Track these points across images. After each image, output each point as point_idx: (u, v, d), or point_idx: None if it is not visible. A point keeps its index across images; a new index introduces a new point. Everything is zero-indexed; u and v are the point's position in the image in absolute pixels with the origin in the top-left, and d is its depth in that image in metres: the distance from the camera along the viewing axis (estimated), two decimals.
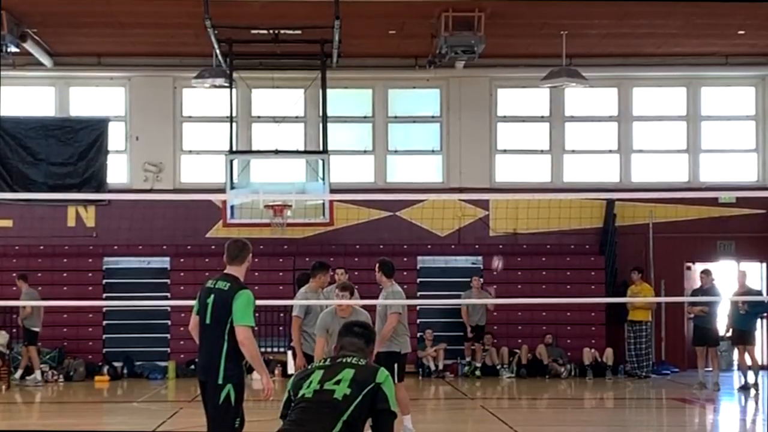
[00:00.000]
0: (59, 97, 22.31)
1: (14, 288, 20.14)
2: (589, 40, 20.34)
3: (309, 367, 6.01)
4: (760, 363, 19.98)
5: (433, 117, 22.65)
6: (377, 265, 12.40)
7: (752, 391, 18.15)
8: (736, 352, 19.70)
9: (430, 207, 21.46)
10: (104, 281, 21.60)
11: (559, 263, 21.83)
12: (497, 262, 20.75)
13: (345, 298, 11.39)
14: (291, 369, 13.64)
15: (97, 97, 22.43)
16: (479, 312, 20.94)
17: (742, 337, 18.61)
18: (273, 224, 19.94)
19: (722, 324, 19.02)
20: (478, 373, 20.99)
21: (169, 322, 21.53)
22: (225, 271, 8.70)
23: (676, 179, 22.33)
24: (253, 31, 19.19)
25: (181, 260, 21.68)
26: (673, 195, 19.46)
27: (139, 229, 21.46)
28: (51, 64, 21.41)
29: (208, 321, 8.44)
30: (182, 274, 21.49)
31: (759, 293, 19.98)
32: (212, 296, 8.47)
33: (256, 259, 21.54)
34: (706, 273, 18.97)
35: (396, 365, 11.88)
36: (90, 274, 21.47)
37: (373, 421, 5.80)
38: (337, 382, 5.75)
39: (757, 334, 19.60)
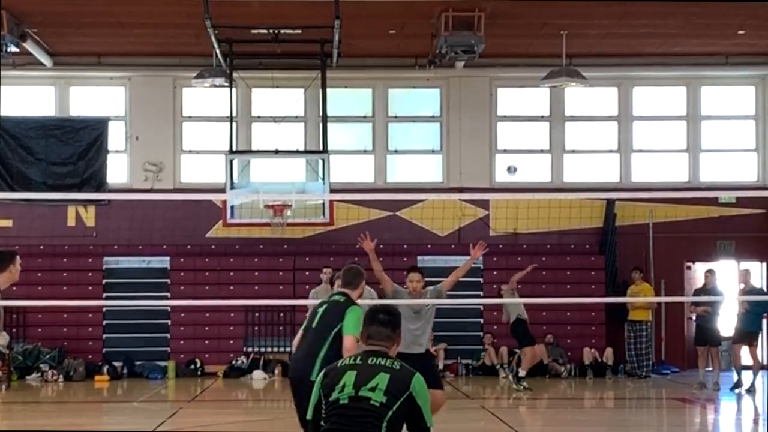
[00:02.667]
0: (59, 96, 22.32)
1: (14, 288, 20.12)
2: (589, 39, 20.34)
3: (337, 365, 5.80)
4: (760, 363, 19.96)
5: (433, 117, 22.65)
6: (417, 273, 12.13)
7: (742, 391, 18.08)
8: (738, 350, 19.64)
9: (430, 207, 21.46)
10: (104, 281, 21.60)
11: (559, 263, 21.83)
12: (512, 169, 20.36)
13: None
14: None
15: (97, 96, 22.43)
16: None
17: (747, 336, 18.58)
18: (273, 224, 19.94)
19: (726, 324, 18.98)
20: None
21: (169, 322, 21.54)
22: (342, 290, 9.25)
23: (676, 179, 22.34)
24: (253, 31, 19.19)
25: (181, 260, 21.69)
26: (673, 195, 19.46)
27: (139, 229, 21.47)
28: (51, 63, 21.41)
29: (314, 325, 8.90)
30: (182, 273, 21.51)
31: (762, 292, 19.94)
32: (325, 306, 9.03)
33: (256, 259, 21.89)
34: (710, 272, 18.97)
35: None
36: (90, 274, 21.47)
37: None
38: (372, 389, 5.55)
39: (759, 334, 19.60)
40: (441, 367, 21.07)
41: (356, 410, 5.53)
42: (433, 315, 12.15)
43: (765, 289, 21.86)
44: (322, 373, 5.80)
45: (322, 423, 5.66)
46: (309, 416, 5.72)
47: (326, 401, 5.62)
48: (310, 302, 12.67)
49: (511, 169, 20.52)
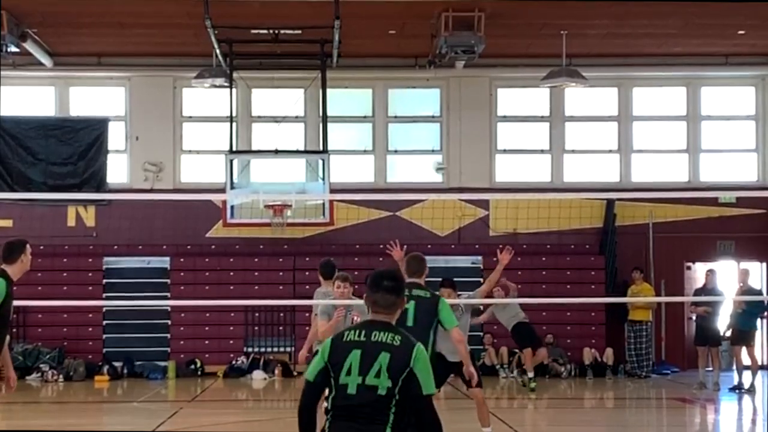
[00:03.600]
0: (59, 97, 22.32)
1: (14, 288, 20.11)
2: (589, 40, 20.34)
3: (343, 338, 5.77)
4: (759, 363, 19.96)
5: (433, 117, 22.65)
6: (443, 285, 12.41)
7: (743, 392, 18.09)
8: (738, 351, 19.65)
9: (430, 207, 21.46)
10: (104, 281, 21.60)
11: (559, 263, 21.83)
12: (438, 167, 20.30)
13: (346, 288, 11.60)
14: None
15: (97, 97, 22.43)
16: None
17: (742, 336, 18.60)
18: (273, 224, 19.95)
19: (723, 323, 19.00)
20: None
21: (169, 322, 21.55)
22: (413, 280, 9.69)
23: (676, 179, 22.34)
24: (253, 31, 19.19)
25: (181, 260, 21.69)
26: (673, 195, 19.46)
27: (139, 229, 21.48)
28: (51, 64, 21.41)
29: (410, 324, 9.34)
30: (182, 273, 21.51)
31: (759, 293, 19.95)
32: (412, 302, 9.50)
33: (256, 259, 21.88)
34: (710, 272, 18.97)
35: None
36: (90, 274, 21.47)
37: (411, 407, 5.73)
38: (377, 374, 5.61)
39: (757, 333, 19.59)
40: None
41: (364, 402, 5.62)
42: (468, 321, 12.62)
43: (765, 289, 21.89)
44: (330, 340, 5.81)
45: (327, 404, 5.73)
46: (311, 378, 5.76)
47: (335, 380, 5.68)
48: (313, 302, 12.62)
49: (437, 168, 20.54)
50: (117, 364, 21.11)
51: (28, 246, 8.60)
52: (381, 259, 21.33)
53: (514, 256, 21.21)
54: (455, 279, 13.27)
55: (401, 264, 11.89)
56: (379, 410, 5.60)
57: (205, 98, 22.19)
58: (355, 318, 11.15)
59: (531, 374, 18.41)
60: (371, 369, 5.64)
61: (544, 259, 21.86)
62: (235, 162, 20.23)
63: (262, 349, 21.61)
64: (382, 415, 5.60)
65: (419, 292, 9.61)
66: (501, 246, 12.74)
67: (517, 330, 18.45)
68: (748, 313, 18.58)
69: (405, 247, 11.88)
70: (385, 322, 5.85)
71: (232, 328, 21.57)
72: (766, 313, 20.66)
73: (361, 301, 11.95)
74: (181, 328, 21.55)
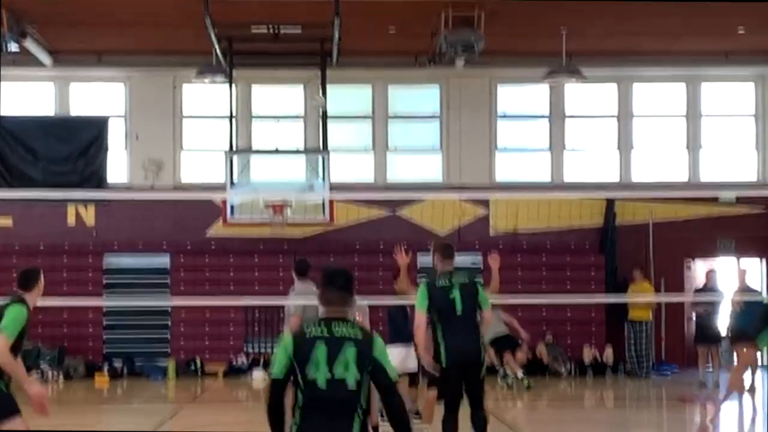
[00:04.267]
0: (59, 95, 22.30)
1: (14, 287, 20.09)
2: (589, 37, 20.31)
3: (305, 333, 5.95)
4: (759, 363, 19.93)
5: (433, 115, 22.63)
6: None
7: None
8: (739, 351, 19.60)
9: (430, 205, 21.44)
10: (104, 280, 21.58)
11: (559, 262, 21.81)
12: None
13: None
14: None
15: (96, 95, 22.41)
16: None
17: (740, 336, 18.56)
18: (273, 223, 19.93)
19: (723, 323, 18.98)
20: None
21: (169, 321, 21.54)
22: (447, 269, 10.16)
23: (676, 177, 22.32)
24: (253, 29, 19.17)
25: (182, 258, 21.67)
26: (673, 193, 19.45)
27: (139, 228, 21.46)
28: (51, 62, 21.38)
29: (459, 312, 9.95)
30: (182, 272, 21.50)
31: (758, 292, 19.91)
32: (456, 291, 9.97)
33: (256, 258, 21.84)
34: (711, 272, 18.96)
35: None
36: (90, 273, 21.46)
37: (382, 399, 6.01)
38: (345, 366, 5.85)
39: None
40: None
41: (334, 396, 5.84)
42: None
43: (765, 287, 21.87)
44: (291, 337, 5.99)
45: (300, 398, 5.88)
46: (280, 376, 5.93)
47: (302, 376, 5.85)
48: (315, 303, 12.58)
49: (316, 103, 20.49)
50: (117, 363, 21.11)
51: (41, 273, 8.75)
52: (381, 257, 21.42)
53: (514, 255, 21.47)
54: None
55: (404, 268, 12.01)
56: (349, 403, 5.84)
57: (205, 96, 22.17)
58: (358, 319, 11.14)
59: (520, 374, 18.46)
60: (338, 362, 5.86)
61: (544, 257, 21.84)
62: (235, 160, 20.22)
63: (262, 349, 21.59)
64: (352, 407, 5.84)
65: (461, 278, 10.05)
66: (489, 251, 12.67)
67: (497, 341, 18.45)
68: (746, 312, 18.54)
69: (410, 253, 11.98)
70: (343, 318, 6.05)
71: (232, 327, 21.56)
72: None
73: (362, 302, 12.01)
74: (181, 327, 21.54)
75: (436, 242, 10.75)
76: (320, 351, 5.87)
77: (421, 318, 10.03)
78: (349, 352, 5.89)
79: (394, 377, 6.00)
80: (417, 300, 10.07)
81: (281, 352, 5.98)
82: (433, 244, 10.88)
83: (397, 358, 13.82)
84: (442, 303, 9.92)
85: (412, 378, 13.70)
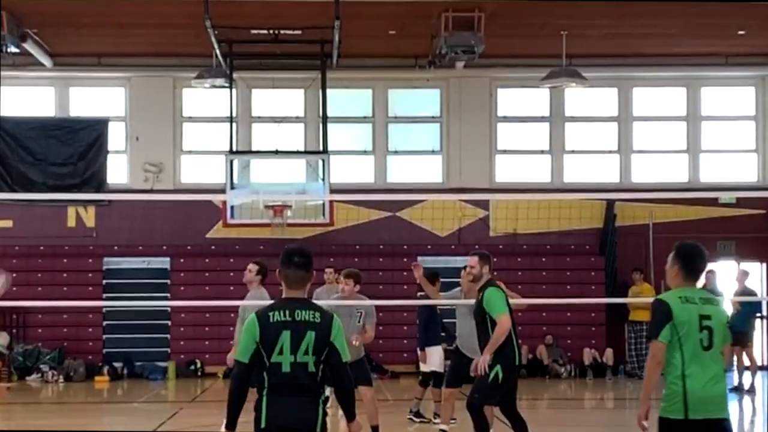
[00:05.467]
0: (59, 97, 22.31)
1: (15, 288, 20.11)
2: (589, 40, 20.34)
3: (270, 318, 6.24)
4: (759, 364, 19.96)
5: (433, 117, 22.65)
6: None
7: (744, 393, 18.08)
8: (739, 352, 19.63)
9: (430, 207, 21.46)
10: (104, 281, 21.59)
11: (559, 263, 21.82)
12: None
13: (348, 284, 11.76)
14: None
15: (97, 97, 22.43)
16: None
17: (739, 337, 18.58)
18: (273, 224, 19.95)
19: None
20: None
21: (169, 323, 21.54)
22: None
23: (676, 179, 22.33)
24: (253, 31, 19.19)
25: (182, 260, 21.68)
26: (673, 195, 19.46)
27: (139, 230, 21.47)
28: (51, 64, 21.41)
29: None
30: (182, 274, 21.51)
31: (754, 293, 19.92)
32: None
33: (256, 260, 21.72)
34: (710, 273, 18.97)
35: None
36: (90, 275, 21.47)
37: (332, 375, 6.39)
38: (306, 352, 6.23)
39: (756, 334, 19.60)
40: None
41: (297, 376, 6.22)
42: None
43: (765, 289, 21.88)
44: (256, 321, 6.28)
45: (266, 379, 6.25)
46: (245, 360, 6.26)
47: (267, 358, 6.23)
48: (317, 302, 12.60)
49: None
50: (117, 364, 21.12)
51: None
52: (381, 259, 21.46)
53: (514, 257, 21.47)
54: (455, 280, 13.36)
55: (420, 280, 12.29)
56: (310, 383, 6.25)
57: (205, 98, 22.19)
58: (355, 343, 11.26)
59: None
60: (300, 347, 6.24)
61: (544, 259, 21.85)
62: (235, 162, 20.24)
63: None
64: (313, 386, 6.26)
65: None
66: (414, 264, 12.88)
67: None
68: (743, 313, 18.57)
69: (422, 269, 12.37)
70: (303, 299, 6.44)
71: (232, 328, 21.37)
72: (759, 314, 20.58)
73: (363, 302, 12.04)
74: (181, 329, 21.54)
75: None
76: (285, 337, 6.22)
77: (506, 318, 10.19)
78: (309, 338, 6.24)
79: (345, 358, 6.33)
80: (499, 303, 10.15)
81: (247, 337, 6.28)
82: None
83: (439, 358, 13.99)
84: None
85: (438, 378, 13.77)
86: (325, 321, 6.33)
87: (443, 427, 12.35)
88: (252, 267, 11.88)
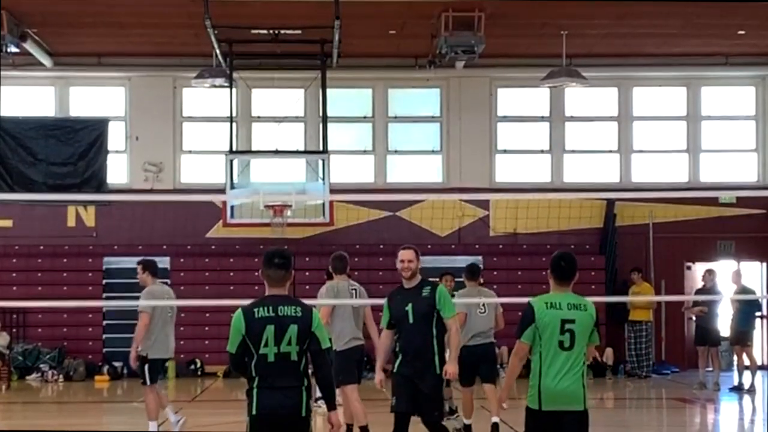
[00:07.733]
0: (59, 97, 22.31)
1: (15, 288, 20.16)
2: (589, 40, 20.34)
3: (255, 314, 6.89)
4: (759, 363, 19.96)
5: (433, 117, 22.65)
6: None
7: (744, 393, 18.08)
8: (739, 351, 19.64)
9: (430, 207, 21.46)
10: (104, 281, 21.59)
11: None
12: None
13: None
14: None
15: (97, 97, 22.44)
16: None
17: (739, 337, 18.60)
18: (273, 224, 19.94)
19: (723, 324, 18.99)
20: None
21: None
22: None
23: (676, 179, 22.34)
24: (253, 31, 19.18)
25: (181, 260, 21.68)
26: (673, 195, 19.46)
27: (139, 229, 21.48)
28: (51, 64, 21.40)
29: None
30: (182, 274, 21.48)
31: (753, 292, 19.93)
32: None
33: (256, 259, 21.71)
34: (709, 272, 18.97)
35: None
36: (90, 274, 21.46)
37: (312, 361, 7.09)
38: (289, 342, 6.93)
39: (756, 333, 19.60)
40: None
41: (281, 365, 6.91)
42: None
43: (765, 289, 21.88)
44: (242, 317, 6.94)
45: (254, 369, 6.94)
46: (234, 351, 6.99)
47: (255, 349, 6.91)
48: (318, 302, 12.54)
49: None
50: (117, 364, 21.10)
51: None
52: (381, 259, 21.43)
53: (514, 256, 21.46)
54: (455, 280, 13.38)
55: None
56: (294, 370, 6.96)
57: (205, 98, 22.19)
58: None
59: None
60: (283, 339, 6.92)
61: (544, 259, 21.54)
62: (235, 162, 20.23)
63: None
64: (296, 373, 6.97)
65: None
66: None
67: None
68: (743, 312, 18.57)
69: None
70: (285, 296, 7.08)
71: None
72: (759, 313, 20.58)
73: (364, 301, 12.05)
74: (181, 329, 21.41)
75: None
76: (269, 332, 6.90)
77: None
78: (292, 330, 6.92)
79: (325, 345, 7.05)
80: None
81: (235, 331, 6.96)
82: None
83: None
84: None
85: None
86: (306, 314, 7.00)
87: (495, 419, 12.69)
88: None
